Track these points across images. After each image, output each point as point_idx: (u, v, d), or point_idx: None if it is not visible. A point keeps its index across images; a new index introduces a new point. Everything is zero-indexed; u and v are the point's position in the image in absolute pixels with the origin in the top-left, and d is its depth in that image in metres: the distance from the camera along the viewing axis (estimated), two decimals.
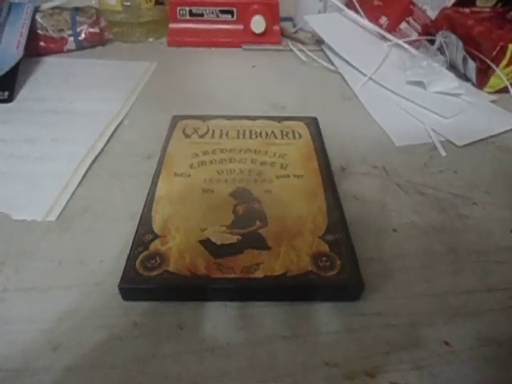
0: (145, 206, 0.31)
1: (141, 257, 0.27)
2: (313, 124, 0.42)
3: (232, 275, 0.26)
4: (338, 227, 0.30)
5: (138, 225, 0.30)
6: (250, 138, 0.40)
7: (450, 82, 0.51)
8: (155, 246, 0.28)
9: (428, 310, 0.26)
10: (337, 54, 0.59)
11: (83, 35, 0.60)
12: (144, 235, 0.29)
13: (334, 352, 0.24)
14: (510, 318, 0.26)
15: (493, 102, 0.50)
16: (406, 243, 0.31)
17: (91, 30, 0.60)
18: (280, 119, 0.43)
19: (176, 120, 0.42)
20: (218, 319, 0.26)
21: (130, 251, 0.27)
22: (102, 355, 0.24)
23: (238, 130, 0.41)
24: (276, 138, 0.40)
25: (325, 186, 0.34)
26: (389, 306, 0.27)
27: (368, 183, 0.37)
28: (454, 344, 0.25)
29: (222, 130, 0.41)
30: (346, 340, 0.25)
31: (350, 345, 0.24)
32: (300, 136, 0.40)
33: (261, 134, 0.40)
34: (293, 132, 0.41)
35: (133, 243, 0.28)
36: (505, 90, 0.51)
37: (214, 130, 0.41)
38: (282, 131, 0.41)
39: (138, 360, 0.23)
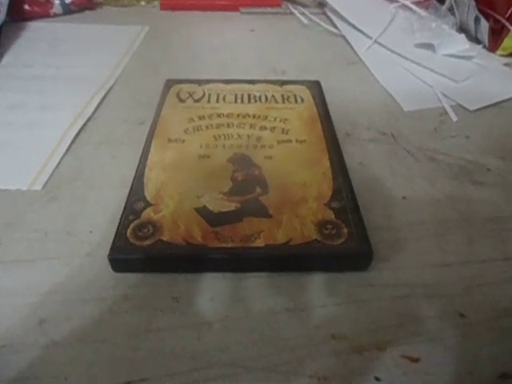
0: (136, 172, 0.29)
1: (132, 225, 0.25)
2: (315, 88, 0.40)
3: (230, 244, 0.24)
4: (345, 194, 0.28)
5: (129, 192, 0.28)
6: (249, 102, 0.37)
7: (461, 44, 0.48)
8: (147, 214, 0.26)
9: (441, 280, 0.25)
10: (340, 17, 0.55)
11: None
12: (135, 203, 0.27)
13: (342, 325, 0.22)
14: None
15: (506, 65, 0.47)
16: (417, 211, 0.29)
17: None
18: (281, 83, 0.40)
19: (170, 84, 0.40)
20: (216, 291, 0.24)
21: (121, 220, 0.25)
22: (92, 330, 0.22)
23: (236, 94, 0.38)
24: (276, 102, 0.37)
25: (329, 151, 0.32)
26: (400, 276, 0.25)
27: (375, 149, 0.35)
28: (470, 315, 0.23)
29: (218, 95, 0.38)
30: (354, 312, 0.23)
31: (358, 317, 0.23)
32: (302, 100, 0.38)
33: (260, 98, 0.38)
34: (294, 96, 0.38)
35: (123, 211, 0.26)
36: None
37: (210, 95, 0.38)
38: (282, 95, 0.38)
39: (130, 334, 0.22)
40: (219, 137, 0.33)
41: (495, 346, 0.22)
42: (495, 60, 0.48)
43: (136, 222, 0.25)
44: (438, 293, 0.24)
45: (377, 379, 0.20)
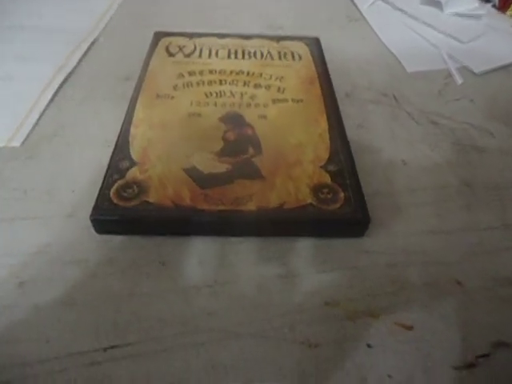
0: (121, 130, 0.27)
1: (116, 185, 0.23)
2: (314, 44, 0.37)
3: (221, 207, 0.23)
4: (342, 157, 0.26)
5: (114, 150, 0.26)
6: (243, 58, 0.35)
7: (470, 2, 0.45)
8: (133, 173, 0.24)
9: (439, 247, 0.24)
10: None
11: None
12: (120, 162, 0.25)
13: (336, 291, 0.21)
14: None
15: None
16: (417, 176, 0.28)
17: None
18: (278, 39, 0.38)
19: (159, 37, 0.37)
20: (205, 255, 0.23)
21: (104, 179, 0.24)
22: (74, 293, 0.21)
23: (230, 50, 0.36)
24: (273, 58, 0.35)
25: (327, 112, 0.30)
26: (396, 243, 0.24)
27: (375, 111, 0.33)
28: (468, 284, 0.22)
29: (211, 49, 0.36)
30: (348, 279, 0.22)
31: (352, 284, 0.22)
32: (300, 57, 0.35)
33: (255, 54, 0.35)
34: (292, 53, 0.36)
35: (107, 170, 0.24)
36: None
37: (201, 49, 0.36)
38: (279, 52, 0.36)
39: (114, 298, 0.21)
40: (211, 94, 0.31)
41: (491, 314, 0.21)
42: (505, 21, 0.46)
43: (120, 181, 0.24)
44: (435, 260, 0.23)
45: (368, 346, 0.20)
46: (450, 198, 0.27)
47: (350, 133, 0.30)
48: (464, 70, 0.39)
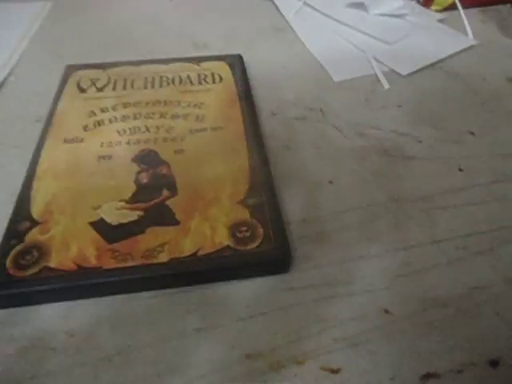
0: (23, 185, 0.25)
1: (13, 252, 0.21)
2: (237, 63, 0.36)
3: (130, 263, 0.21)
4: (263, 188, 0.25)
5: (13, 210, 0.24)
6: (161, 86, 0.33)
7: (394, 1, 0.45)
8: (33, 236, 0.22)
9: (367, 274, 0.23)
10: None
11: None
12: (19, 223, 0.23)
13: (259, 340, 0.20)
14: (455, 272, 0.23)
15: (440, 21, 0.45)
16: (344, 196, 0.27)
17: None
18: (198, 60, 0.36)
19: (69, 71, 0.35)
20: (117, 317, 0.21)
21: (0, 246, 0.22)
22: None
23: (146, 78, 0.34)
24: (192, 83, 0.33)
25: (248, 138, 0.28)
26: (323, 274, 0.23)
27: (302, 129, 0.32)
28: (395, 311, 0.21)
29: (126, 80, 0.34)
30: (272, 323, 0.21)
31: (277, 329, 0.21)
32: (221, 79, 0.34)
33: (173, 80, 0.34)
34: (212, 75, 0.34)
35: (4, 235, 0.22)
36: (453, 6, 0.45)
37: (116, 81, 0.34)
38: (199, 75, 0.34)
39: (13, 383, 0.19)
40: (124, 131, 0.29)
41: (419, 343, 0.20)
42: (430, 16, 0.46)
43: (18, 247, 0.22)
44: (362, 289, 0.22)
45: None
46: (377, 217, 0.26)
47: (276, 156, 0.29)
48: (391, 73, 0.38)
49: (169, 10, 0.48)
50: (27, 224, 0.23)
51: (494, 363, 0.19)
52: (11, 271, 0.21)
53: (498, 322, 0.21)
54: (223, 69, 0.35)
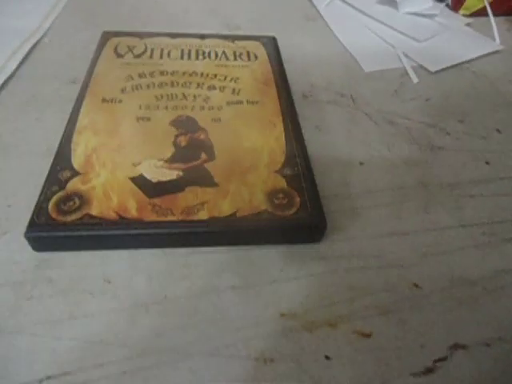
0: (63, 137, 0.25)
1: (55, 198, 0.22)
2: (271, 44, 0.36)
3: (170, 217, 0.21)
4: (298, 160, 0.25)
5: (54, 160, 0.24)
6: (197, 59, 0.34)
7: (424, 1, 0.46)
8: (74, 184, 0.22)
9: (397, 250, 0.23)
10: None
11: None
12: (60, 172, 0.23)
13: (292, 302, 0.21)
14: (482, 255, 0.24)
15: (468, 25, 0.46)
16: (374, 178, 0.28)
17: None
18: (233, 38, 0.37)
19: (107, 37, 0.35)
20: (154, 269, 0.21)
21: (42, 192, 0.22)
22: (7, 319, 0.19)
23: (183, 50, 0.34)
24: (228, 59, 0.34)
25: (284, 114, 0.29)
26: (354, 247, 0.23)
27: (333, 112, 0.33)
28: (425, 286, 0.22)
29: (162, 50, 0.34)
30: (305, 288, 0.21)
31: (310, 293, 0.21)
32: (256, 57, 0.34)
33: (210, 54, 0.34)
34: (248, 53, 0.35)
35: (45, 182, 0.23)
36: (480, 12, 0.46)
37: (153, 50, 0.34)
38: (234, 52, 0.35)
39: (53, 322, 0.19)
40: (161, 97, 0.29)
41: (447, 316, 0.21)
42: (458, 20, 0.46)
43: (60, 193, 0.22)
44: (392, 263, 0.23)
45: (327, 358, 0.19)
46: (407, 199, 0.26)
47: (308, 135, 0.29)
48: (419, 68, 0.39)
49: None
50: (68, 173, 0.23)
51: None
52: (54, 215, 0.21)
53: None
54: (258, 48, 0.36)
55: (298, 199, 0.23)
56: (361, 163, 0.29)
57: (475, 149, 0.31)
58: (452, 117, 0.34)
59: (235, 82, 0.31)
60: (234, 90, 0.31)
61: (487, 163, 0.30)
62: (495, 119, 0.33)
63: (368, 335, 0.20)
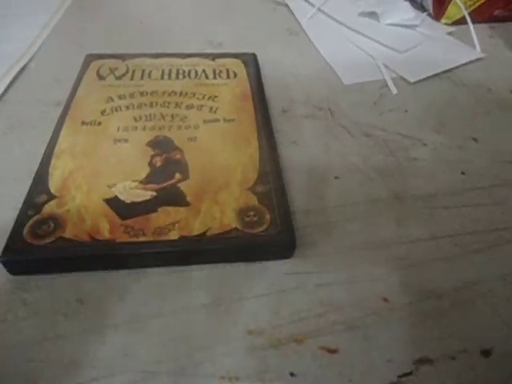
0: (41, 161, 0.26)
1: (31, 222, 0.22)
2: (251, 61, 0.37)
3: (142, 238, 0.22)
4: (271, 177, 0.26)
5: (31, 184, 0.25)
6: (177, 78, 0.34)
7: (405, 12, 0.46)
8: (50, 208, 0.23)
9: (368, 264, 0.24)
10: None
11: None
12: (37, 196, 0.24)
13: (261, 318, 0.21)
14: (452, 267, 0.24)
15: (450, 33, 0.46)
16: (349, 191, 0.28)
17: None
18: (214, 56, 0.37)
19: (90, 59, 0.36)
20: (126, 289, 0.22)
21: (18, 216, 0.23)
22: None
23: (164, 70, 0.35)
24: (207, 77, 0.35)
25: (259, 130, 0.30)
26: (326, 262, 0.24)
27: (311, 126, 0.33)
28: (393, 300, 0.22)
29: (144, 70, 0.35)
30: (275, 304, 0.22)
31: (279, 309, 0.21)
32: (235, 75, 0.35)
33: (189, 73, 0.35)
34: (227, 71, 0.36)
35: (22, 206, 0.23)
36: (462, 21, 0.47)
37: (134, 71, 0.35)
38: (214, 70, 0.36)
39: (25, 345, 0.20)
40: (140, 118, 0.30)
41: (414, 329, 0.21)
42: (439, 29, 0.47)
43: (36, 217, 0.23)
44: (362, 278, 0.23)
45: (292, 375, 0.19)
46: (380, 212, 0.27)
47: (285, 150, 0.30)
48: (399, 79, 0.39)
49: (187, 8, 0.50)
50: (45, 197, 0.24)
51: (486, 353, 0.20)
52: (28, 239, 0.22)
53: (491, 315, 0.22)
54: (238, 66, 0.36)
55: (268, 216, 0.24)
56: (336, 177, 0.29)
57: (451, 159, 0.31)
58: (429, 127, 0.34)
59: (213, 100, 0.32)
60: (211, 108, 0.31)
61: (463, 173, 0.30)
62: (472, 128, 0.34)
63: (334, 351, 0.20)
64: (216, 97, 0.32)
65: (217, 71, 0.35)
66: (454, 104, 0.37)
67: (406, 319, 0.21)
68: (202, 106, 0.31)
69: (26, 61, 0.38)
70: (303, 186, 0.28)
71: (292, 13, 0.49)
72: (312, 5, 0.48)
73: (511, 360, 0.20)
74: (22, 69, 0.37)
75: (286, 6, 0.50)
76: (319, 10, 0.48)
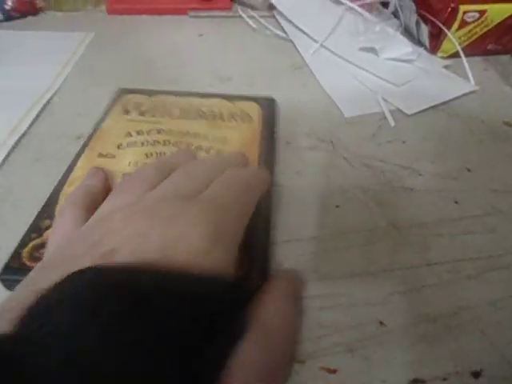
0: (55, 188, 0.29)
1: (31, 245, 0.25)
2: (268, 106, 0.38)
3: None
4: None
5: (41, 209, 0.27)
6: (194, 118, 0.36)
7: (403, 47, 0.49)
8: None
9: (365, 289, 0.26)
10: (288, 20, 0.56)
11: (10, 3, 0.54)
12: (42, 220, 0.26)
13: None
14: (445, 292, 0.25)
15: (445, 67, 0.49)
16: (348, 219, 0.30)
17: None
18: (233, 98, 0.39)
19: (121, 93, 0.38)
20: None
21: (22, 237, 0.25)
22: None
23: (184, 109, 0.37)
24: (223, 120, 0.36)
25: None
26: (326, 287, 0.26)
27: (313, 158, 0.36)
28: (389, 323, 0.24)
29: (166, 108, 0.37)
30: None
31: None
32: (250, 119, 0.37)
33: (207, 114, 0.37)
34: (242, 114, 0.37)
35: (27, 229, 0.26)
36: (458, 54, 0.49)
37: (157, 108, 0.37)
38: (231, 113, 0.37)
39: None
40: (151, 155, 0.32)
41: (409, 352, 0.23)
42: (436, 62, 0.50)
43: (36, 241, 0.25)
44: (360, 302, 0.25)
45: None
46: (377, 240, 0.29)
47: (288, 181, 0.32)
48: (397, 111, 0.42)
49: (198, 44, 0.53)
50: (48, 222, 0.26)
51: (476, 374, 0.22)
52: (25, 261, 0.24)
53: (482, 339, 0.23)
54: (253, 110, 0.37)
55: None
56: (337, 206, 0.31)
57: (445, 188, 0.33)
58: (425, 158, 0.36)
59: (222, 143, 0.34)
60: (218, 151, 0.33)
61: (456, 202, 0.32)
62: (466, 158, 0.36)
63: (334, 371, 0.22)
64: (226, 139, 0.34)
65: (233, 114, 0.37)
66: (449, 135, 0.39)
67: (402, 342, 0.23)
68: (210, 148, 0.33)
69: (49, 95, 0.41)
70: (306, 214, 0.30)
71: (296, 48, 0.52)
72: (315, 40, 0.52)
73: (499, 382, 0.21)
74: (47, 103, 0.41)
75: (291, 41, 0.53)
76: (322, 45, 0.51)
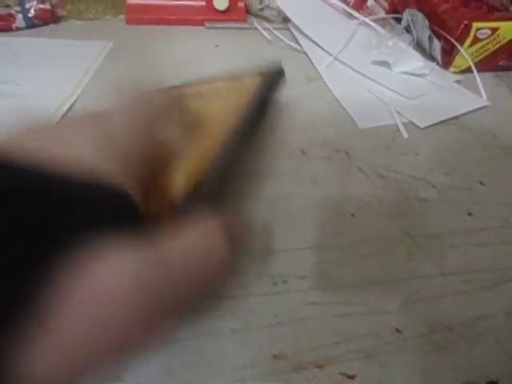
0: None
1: None
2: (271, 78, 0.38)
3: None
4: None
5: None
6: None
7: (416, 61, 0.50)
8: None
9: (381, 297, 0.26)
10: (303, 33, 0.57)
11: (33, 12, 0.56)
12: None
13: (284, 344, 0.23)
14: (460, 302, 0.26)
15: (457, 82, 0.50)
16: (364, 228, 0.31)
17: (42, 6, 0.56)
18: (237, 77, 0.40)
19: None
20: None
21: None
22: None
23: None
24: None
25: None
26: (342, 294, 0.26)
27: (328, 167, 0.36)
28: (406, 331, 0.24)
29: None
30: (296, 331, 0.24)
31: (300, 336, 0.24)
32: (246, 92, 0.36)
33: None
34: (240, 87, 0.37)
35: None
36: (470, 69, 0.50)
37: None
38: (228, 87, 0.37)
39: None
40: None
41: (425, 359, 0.23)
42: (448, 77, 0.50)
43: None
44: (376, 310, 0.25)
45: None
46: (392, 249, 0.29)
47: (304, 189, 0.33)
48: (410, 124, 0.42)
49: (214, 54, 0.54)
50: None
51: None
52: None
53: (498, 349, 0.24)
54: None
55: None
56: (352, 215, 0.32)
57: (459, 200, 0.33)
58: (439, 170, 0.37)
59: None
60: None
61: (469, 214, 0.32)
62: (478, 172, 0.36)
63: (352, 377, 0.22)
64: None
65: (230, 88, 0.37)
66: (462, 149, 0.39)
67: (418, 349, 0.23)
68: None
69: (71, 102, 0.42)
70: (322, 223, 0.31)
71: (311, 61, 0.53)
72: (329, 53, 0.53)
73: None
74: (68, 110, 0.42)
75: (305, 53, 0.54)
76: (336, 58, 0.52)
